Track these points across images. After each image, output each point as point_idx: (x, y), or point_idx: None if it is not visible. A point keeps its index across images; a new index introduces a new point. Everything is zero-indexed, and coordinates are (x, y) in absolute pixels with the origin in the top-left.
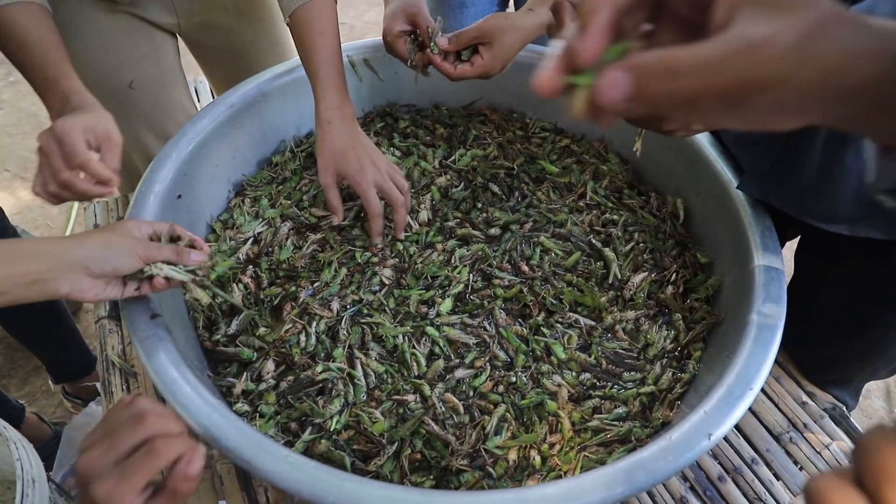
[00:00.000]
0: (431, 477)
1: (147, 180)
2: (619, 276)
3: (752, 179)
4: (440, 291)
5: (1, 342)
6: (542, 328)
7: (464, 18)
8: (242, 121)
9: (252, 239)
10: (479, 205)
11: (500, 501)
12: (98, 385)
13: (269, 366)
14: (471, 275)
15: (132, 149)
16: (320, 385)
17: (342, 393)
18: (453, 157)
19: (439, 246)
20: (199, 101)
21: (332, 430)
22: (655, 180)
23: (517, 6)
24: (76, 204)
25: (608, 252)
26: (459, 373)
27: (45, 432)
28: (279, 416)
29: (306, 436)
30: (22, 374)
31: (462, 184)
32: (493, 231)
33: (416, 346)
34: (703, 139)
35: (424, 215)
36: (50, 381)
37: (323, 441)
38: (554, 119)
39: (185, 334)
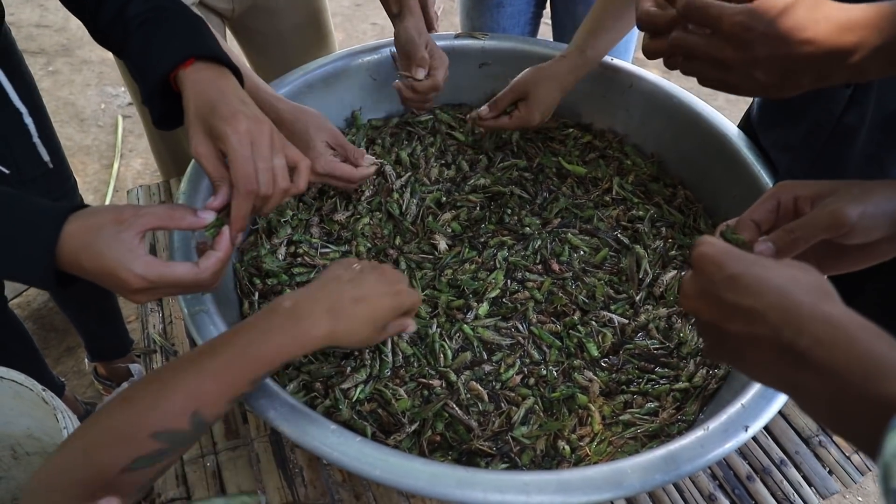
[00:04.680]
0: (451, 458)
1: (196, 164)
2: (650, 273)
3: None
4: (474, 298)
5: (35, 322)
6: (577, 326)
7: (500, 18)
8: None
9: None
10: (510, 210)
11: (540, 482)
12: (131, 366)
13: None
14: (507, 279)
15: (184, 134)
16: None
17: (368, 364)
18: (472, 181)
19: (478, 259)
20: None
21: (354, 399)
22: (681, 172)
23: (553, 8)
24: (110, 190)
25: (639, 249)
26: (487, 366)
27: (78, 411)
28: (301, 371)
29: (326, 402)
30: (55, 354)
31: (478, 205)
32: (526, 230)
33: (448, 341)
34: (741, 143)
35: (443, 245)
36: (86, 359)
37: (345, 409)
38: (574, 117)
39: (230, 310)
